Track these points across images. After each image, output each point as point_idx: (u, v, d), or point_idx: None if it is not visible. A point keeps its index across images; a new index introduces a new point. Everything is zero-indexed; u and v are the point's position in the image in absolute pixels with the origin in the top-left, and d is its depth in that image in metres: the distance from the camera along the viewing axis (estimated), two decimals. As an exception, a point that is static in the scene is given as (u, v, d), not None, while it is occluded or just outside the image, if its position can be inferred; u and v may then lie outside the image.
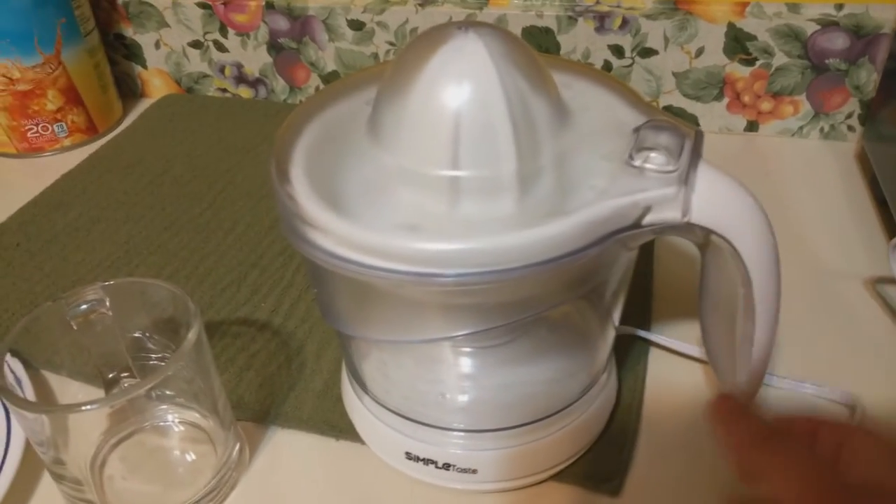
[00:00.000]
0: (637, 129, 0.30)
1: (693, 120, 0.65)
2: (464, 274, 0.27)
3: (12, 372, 0.34)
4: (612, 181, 0.29)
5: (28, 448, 0.38)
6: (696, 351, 0.42)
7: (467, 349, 0.36)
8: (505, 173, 0.29)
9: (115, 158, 0.65)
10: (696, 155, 0.29)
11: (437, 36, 0.30)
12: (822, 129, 0.63)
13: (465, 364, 0.37)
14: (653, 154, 0.29)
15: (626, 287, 0.35)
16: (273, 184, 0.31)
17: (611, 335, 0.37)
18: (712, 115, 0.64)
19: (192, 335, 0.34)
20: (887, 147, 0.54)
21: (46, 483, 0.38)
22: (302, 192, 0.30)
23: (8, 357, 0.34)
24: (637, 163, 0.29)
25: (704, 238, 0.30)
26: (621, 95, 0.33)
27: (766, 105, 0.63)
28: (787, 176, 0.60)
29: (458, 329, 0.32)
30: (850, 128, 0.62)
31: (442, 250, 0.27)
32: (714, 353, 0.38)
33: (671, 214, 0.29)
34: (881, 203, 0.54)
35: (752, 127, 0.64)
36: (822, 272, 0.49)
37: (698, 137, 0.30)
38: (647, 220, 0.29)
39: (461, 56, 0.29)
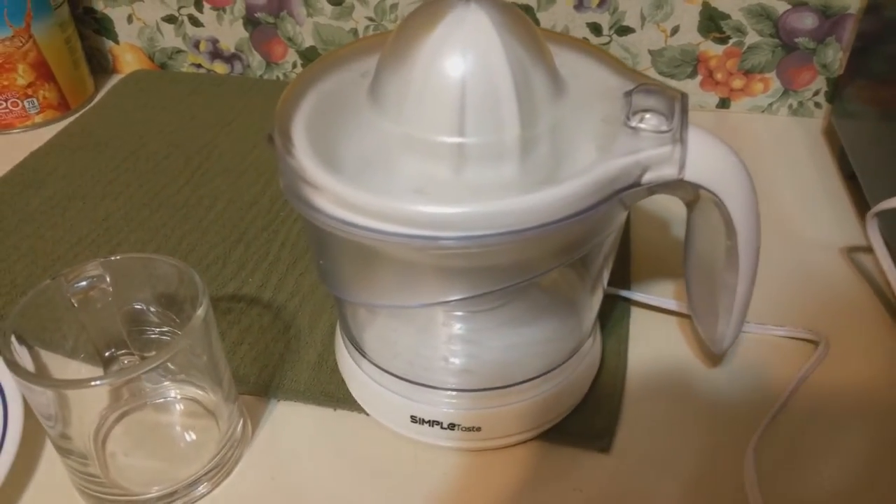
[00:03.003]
0: (629, 94, 0.31)
1: (667, 97, 0.66)
2: (474, 237, 0.28)
3: (17, 350, 0.33)
4: (612, 142, 0.29)
5: (27, 427, 0.37)
6: (674, 305, 0.44)
7: (466, 313, 0.37)
8: (508, 139, 0.30)
9: (87, 135, 0.63)
10: (685, 116, 0.30)
11: (438, 7, 0.30)
12: (790, 106, 0.65)
13: (466, 328, 0.37)
14: (647, 115, 0.30)
15: (615, 250, 0.36)
16: (278, 150, 0.31)
17: (599, 296, 0.38)
18: (686, 93, 0.65)
19: (201, 311, 0.33)
20: (855, 122, 0.56)
21: (48, 460, 0.38)
22: (306, 156, 0.30)
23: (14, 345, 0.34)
24: (634, 124, 0.30)
25: (694, 194, 0.31)
26: (606, 63, 0.34)
27: (737, 82, 0.65)
28: (758, 151, 0.61)
29: (456, 293, 0.33)
30: (818, 104, 0.64)
31: (455, 213, 0.28)
32: (697, 306, 0.40)
33: (668, 172, 0.30)
34: (848, 176, 0.56)
35: (724, 104, 0.66)
36: (792, 240, 0.51)
37: (684, 99, 0.31)
38: (647, 177, 0.30)
39: (464, 26, 0.29)
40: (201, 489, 0.36)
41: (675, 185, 0.31)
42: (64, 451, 0.35)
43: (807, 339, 0.43)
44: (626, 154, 0.29)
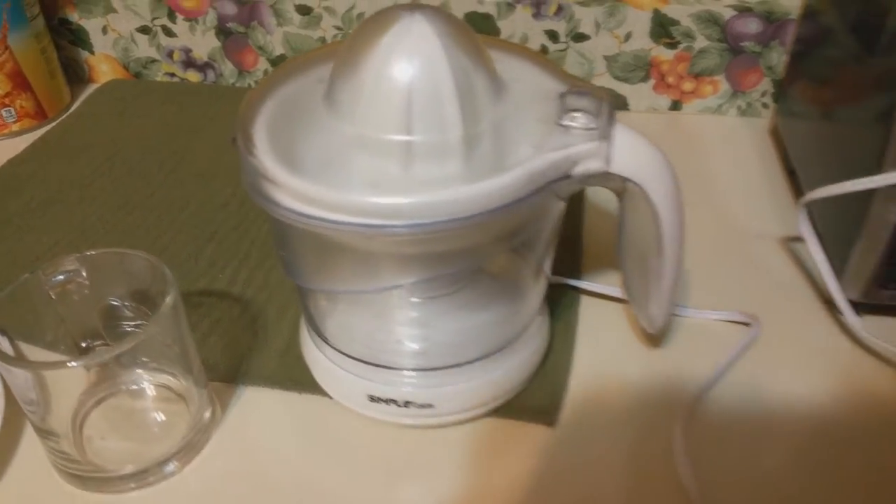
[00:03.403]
0: (562, 95, 0.34)
1: (622, 101, 0.69)
2: (421, 224, 0.31)
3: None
4: (545, 139, 0.32)
5: (8, 412, 0.40)
6: (620, 293, 0.47)
7: (419, 299, 0.40)
8: (452, 137, 0.33)
9: (63, 142, 0.66)
10: (612, 115, 0.33)
11: (386, 17, 0.33)
12: (739, 107, 0.68)
13: (419, 313, 0.40)
14: (577, 115, 0.33)
15: (555, 239, 0.39)
16: (240, 150, 0.34)
17: (543, 282, 0.41)
18: (640, 96, 0.69)
19: (169, 300, 0.36)
20: (795, 122, 0.59)
21: (28, 442, 0.41)
22: (266, 156, 0.33)
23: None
24: (565, 123, 0.33)
25: (621, 185, 0.34)
26: (544, 68, 0.37)
27: (688, 85, 0.68)
28: (709, 150, 0.64)
29: (409, 277, 0.36)
30: (765, 105, 0.68)
31: (404, 203, 0.30)
32: (632, 291, 0.43)
33: (595, 165, 0.33)
34: (790, 172, 0.60)
35: (675, 106, 0.69)
36: (735, 232, 0.55)
37: (613, 101, 0.34)
38: (576, 170, 0.33)
39: (410, 35, 0.32)
40: (171, 467, 0.39)
41: (603, 178, 0.34)
42: (43, 434, 0.37)
43: (742, 322, 0.46)
44: (557, 149, 0.32)
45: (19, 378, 0.35)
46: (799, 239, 0.53)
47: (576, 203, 0.57)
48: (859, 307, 0.46)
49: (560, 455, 0.39)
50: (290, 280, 0.41)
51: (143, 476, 0.38)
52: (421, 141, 0.33)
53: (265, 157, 0.33)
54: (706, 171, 0.62)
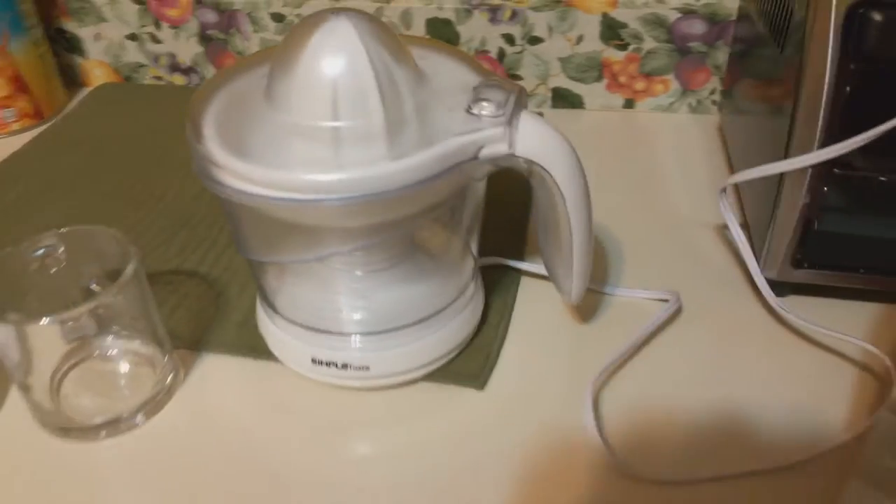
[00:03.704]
0: (475, 87, 0.38)
1: (578, 99, 0.74)
2: (347, 197, 0.35)
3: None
4: (457, 125, 0.37)
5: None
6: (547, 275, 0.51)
7: (361, 273, 0.44)
8: (375, 123, 0.37)
9: (58, 140, 0.71)
10: (519, 105, 0.38)
11: (316, 20, 0.37)
12: (690, 105, 0.73)
13: (358, 285, 0.45)
14: (486, 104, 0.37)
15: (479, 220, 0.44)
16: (189, 139, 0.38)
17: (471, 260, 0.45)
18: (594, 95, 0.73)
19: (129, 269, 0.41)
20: (733, 118, 0.64)
21: (13, 398, 0.46)
22: (213, 143, 0.38)
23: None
24: (475, 111, 0.37)
25: (529, 168, 0.39)
26: (465, 63, 0.41)
27: (640, 85, 0.72)
28: (659, 146, 0.69)
29: (343, 246, 0.41)
30: (714, 102, 0.72)
31: (332, 179, 0.35)
32: (550, 267, 0.47)
33: (500, 148, 0.37)
34: (731, 166, 0.64)
35: (629, 104, 0.74)
36: (674, 220, 0.59)
37: (521, 93, 0.38)
38: (483, 153, 0.37)
39: (335, 35, 0.37)
40: (137, 419, 0.44)
41: (509, 160, 0.38)
42: (25, 389, 0.42)
43: (664, 299, 0.50)
44: (465, 134, 0.37)
45: (3, 338, 0.40)
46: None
47: (524, 192, 0.61)
48: (783, 288, 0.50)
49: (485, 417, 0.43)
50: (245, 257, 0.45)
51: (113, 425, 0.43)
52: (347, 126, 0.37)
53: (211, 144, 0.38)
54: (655, 166, 0.66)
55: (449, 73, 0.41)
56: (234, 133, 0.39)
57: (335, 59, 0.37)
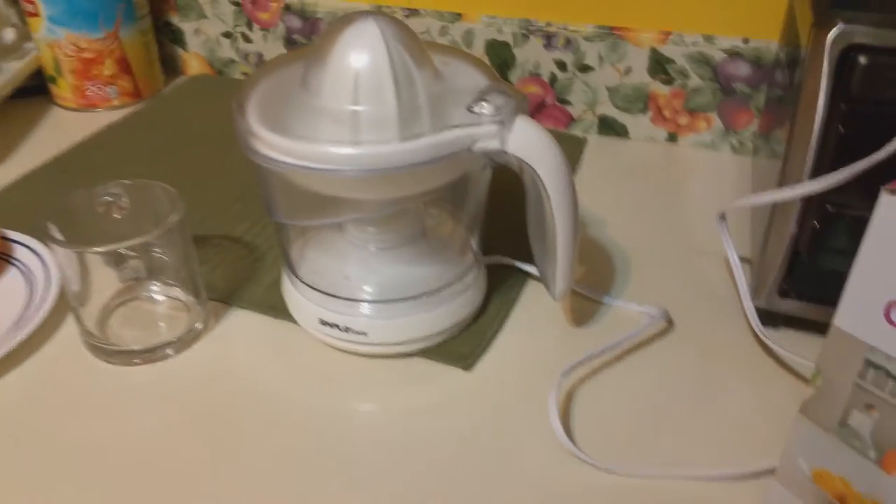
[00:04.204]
0: (481, 90, 0.43)
1: (623, 129, 0.77)
2: (360, 170, 0.41)
3: (54, 232, 0.48)
4: (460, 120, 0.42)
5: (60, 300, 0.53)
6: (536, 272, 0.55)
7: (371, 248, 0.50)
8: (389, 110, 0.43)
9: (151, 118, 0.81)
10: (518, 110, 0.43)
11: (348, 19, 0.43)
12: (731, 144, 0.75)
13: (369, 259, 0.50)
14: (485, 105, 0.42)
15: (480, 217, 0.49)
16: (234, 113, 0.45)
17: (469, 251, 0.51)
18: (639, 126, 0.77)
19: (174, 216, 0.48)
20: (761, 159, 0.66)
21: (67, 326, 0.53)
22: (253, 118, 0.44)
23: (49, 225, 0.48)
24: (475, 109, 0.43)
25: (520, 165, 0.43)
26: (482, 71, 0.47)
27: (683, 120, 0.75)
28: (696, 180, 0.71)
29: (355, 214, 0.47)
30: (755, 144, 0.74)
31: (351, 153, 0.41)
32: (540, 266, 0.51)
33: (493, 144, 0.42)
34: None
35: (672, 138, 0.77)
36: (687, 248, 0.62)
37: (522, 100, 0.43)
38: (477, 146, 0.42)
39: (362, 33, 0.43)
40: (168, 352, 0.50)
41: (501, 156, 0.43)
42: (79, 317, 0.50)
43: (650, 313, 0.54)
44: (462, 127, 0.42)
45: (65, 263, 0.47)
46: (743, 259, 0.60)
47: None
48: (774, 319, 0.52)
49: (471, 395, 0.48)
50: (272, 219, 0.52)
51: (146, 354, 0.50)
52: (365, 111, 0.43)
53: (252, 119, 0.44)
54: (686, 198, 0.69)
55: (465, 77, 0.46)
56: (272, 112, 0.45)
57: (359, 53, 0.43)
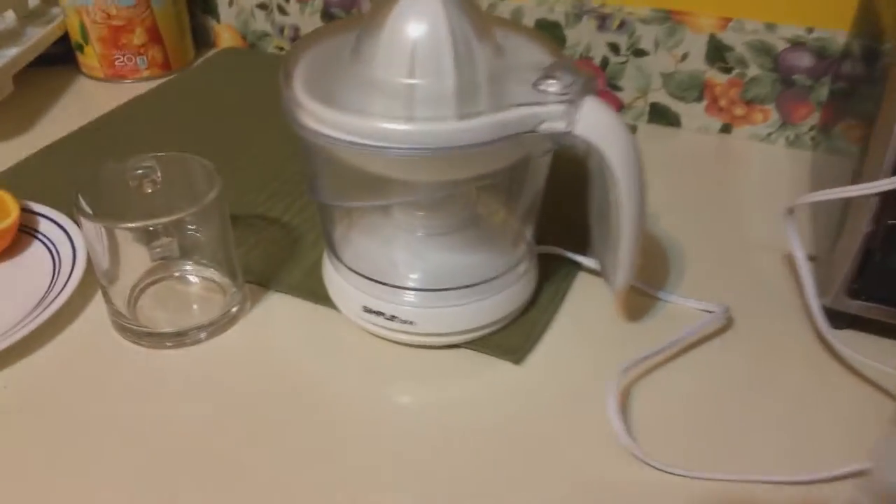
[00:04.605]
0: (547, 67, 0.40)
1: (675, 118, 0.74)
2: (413, 149, 0.38)
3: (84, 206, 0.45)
4: (524, 98, 0.39)
5: (87, 275, 0.50)
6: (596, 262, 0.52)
7: (419, 234, 0.47)
8: (447, 85, 0.39)
9: (180, 90, 0.78)
10: (586, 89, 0.39)
11: None
12: (787, 138, 0.72)
13: (416, 245, 0.47)
14: (552, 82, 0.39)
15: (537, 204, 0.46)
16: (280, 83, 0.42)
17: (523, 240, 0.47)
18: (692, 115, 0.73)
19: (213, 193, 0.45)
20: (824, 156, 0.62)
21: (96, 302, 0.51)
22: (300, 89, 0.41)
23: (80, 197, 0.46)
24: (542, 87, 0.39)
25: (585, 149, 0.40)
26: (545, 46, 0.44)
27: (739, 110, 0.72)
28: (751, 174, 0.68)
29: (405, 197, 0.44)
30: (814, 139, 0.71)
31: (404, 129, 0.38)
32: (600, 256, 0.48)
33: (560, 125, 0.39)
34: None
35: (726, 129, 0.73)
36: (745, 243, 0.58)
37: (590, 79, 0.40)
38: (543, 127, 0.39)
39: (419, 2, 0.40)
40: (201, 336, 0.48)
41: (568, 138, 0.40)
42: (108, 296, 0.47)
43: (711, 310, 0.50)
44: (527, 106, 0.39)
45: (94, 238, 0.45)
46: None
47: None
48: (840, 320, 0.49)
49: (521, 390, 0.45)
50: (314, 200, 0.49)
51: (178, 337, 0.47)
52: (422, 85, 0.40)
53: (298, 89, 0.41)
54: (740, 191, 0.65)
55: (527, 52, 0.43)
56: (320, 82, 0.42)
57: (418, 22, 0.39)
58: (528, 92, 0.40)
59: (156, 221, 0.44)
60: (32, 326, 0.46)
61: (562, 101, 0.39)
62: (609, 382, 0.44)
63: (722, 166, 0.69)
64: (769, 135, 0.72)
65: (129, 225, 0.43)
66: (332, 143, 0.40)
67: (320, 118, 0.40)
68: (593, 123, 0.40)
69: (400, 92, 0.40)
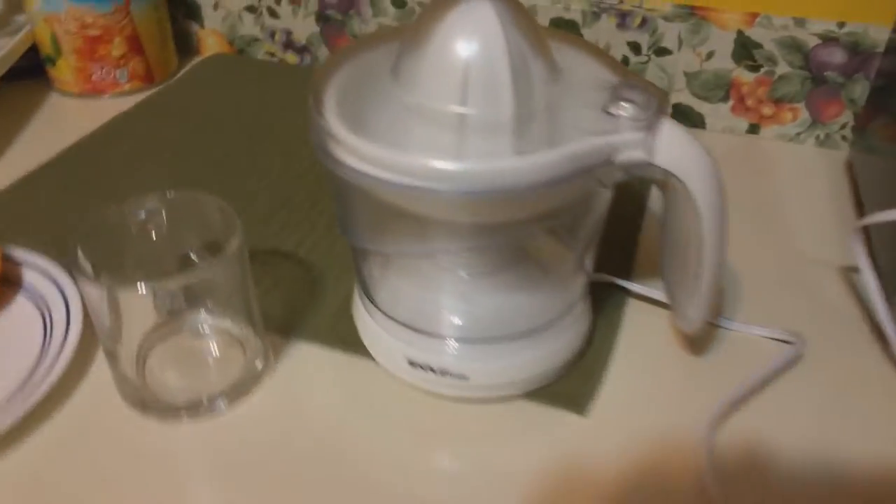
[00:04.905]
0: (614, 86, 0.35)
1: (700, 118, 0.70)
2: (467, 191, 0.33)
3: (82, 261, 0.39)
4: (592, 125, 0.34)
5: (86, 332, 0.44)
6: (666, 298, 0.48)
7: (466, 275, 0.42)
8: (504, 114, 0.35)
9: (166, 105, 0.71)
10: (661, 110, 0.35)
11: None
12: (817, 137, 0.68)
13: (463, 287, 0.42)
14: (626, 105, 0.34)
15: (598, 234, 0.41)
16: (310, 110, 0.36)
17: (583, 275, 0.42)
18: (718, 116, 0.69)
19: (234, 242, 0.39)
20: (870, 158, 0.59)
21: (99, 365, 0.45)
22: (333, 116, 0.36)
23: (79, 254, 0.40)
24: (613, 111, 0.34)
25: (664, 179, 0.36)
26: (601, 60, 0.39)
27: (767, 110, 0.68)
28: (782, 177, 0.64)
29: (455, 244, 0.38)
30: (844, 138, 0.67)
31: (454, 169, 0.33)
32: (671, 289, 0.43)
33: (638, 155, 0.34)
34: (860, 206, 0.59)
35: (753, 129, 0.69)
36: (794, 256, 0.54)
37: (663, 97, 0.35)
38: (619, 158, 0.34)
39: (472, 15, 0.34)
40: (220, 405, 0.42)
41: (646, 168, 0.35)
42: (112, 359, 0.41)
43: (785, 340, 0.46)
44: (601, 135, 0.34)
45: (96, 300, 0.39)
46: (858, 270, 0.52)
47: (635, 207, 0.58)
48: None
49: (587, 443, 0.40)
50: (347, 240, 0.43)
51: (194, 409, 0.41)
52: (475, 114, 0.35)
53: (332, 117, 0.36)
54: (775, 197, 0.62)
55: (585, 69, 0.38)
56: (356, 108, 0.37)
57: (470, 40, 0.34)
58: (597, 117, 0.35)
59: (171, 281, 0.38)
60: (28, 405, 0.39)
61: (639, 128, 0.34)
62: (701, 432, 0.39)
63: (752, 170, 0.65)
64: (798, 135, 0.68)
65: (140, 289, 0.37)
66: (372, 183, 0.35)
67: (358, 153, 0.35)
68: (675, 151, 0.35)
69: (449, 122, 0.35)
